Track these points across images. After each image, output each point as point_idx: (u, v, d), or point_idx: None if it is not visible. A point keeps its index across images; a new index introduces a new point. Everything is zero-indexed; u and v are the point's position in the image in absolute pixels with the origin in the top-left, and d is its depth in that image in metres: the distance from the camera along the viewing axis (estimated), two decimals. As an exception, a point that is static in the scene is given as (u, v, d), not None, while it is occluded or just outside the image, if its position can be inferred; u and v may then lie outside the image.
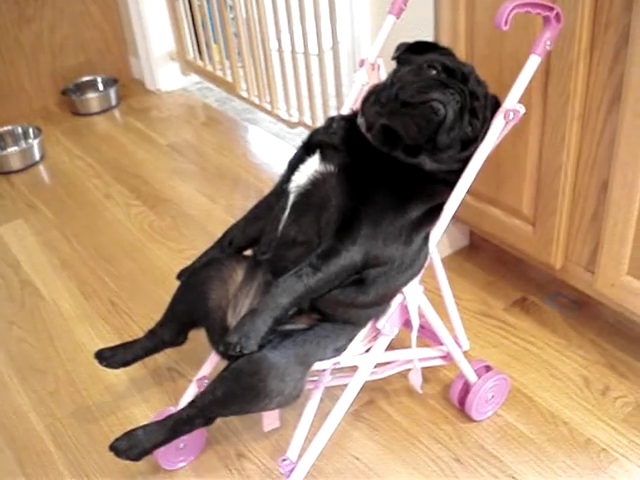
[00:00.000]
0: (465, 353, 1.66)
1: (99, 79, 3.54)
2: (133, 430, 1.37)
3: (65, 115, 3.43)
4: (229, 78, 3.17)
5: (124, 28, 3.59)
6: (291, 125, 2.84)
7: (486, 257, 2.13)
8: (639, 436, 1.57)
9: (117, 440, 1.36)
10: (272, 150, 2.93)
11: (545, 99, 1.59)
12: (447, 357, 1.61)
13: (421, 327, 1.54)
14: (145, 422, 1.56)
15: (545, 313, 1.92)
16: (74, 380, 1.85)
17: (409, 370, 1.54)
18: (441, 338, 1.53)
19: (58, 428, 1.72)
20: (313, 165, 1.32)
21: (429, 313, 1.46)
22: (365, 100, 1.35)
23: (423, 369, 1.65)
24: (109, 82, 3.51)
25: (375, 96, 1.31)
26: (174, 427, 1.36)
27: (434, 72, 1.25)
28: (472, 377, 1.59)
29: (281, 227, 1.34)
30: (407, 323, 1.41)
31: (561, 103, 1.55)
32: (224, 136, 3.07)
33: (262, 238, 1.40)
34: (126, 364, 1.52)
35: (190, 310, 1.44)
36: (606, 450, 1.55)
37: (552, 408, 1.65)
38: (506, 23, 1.21)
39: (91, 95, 3.45)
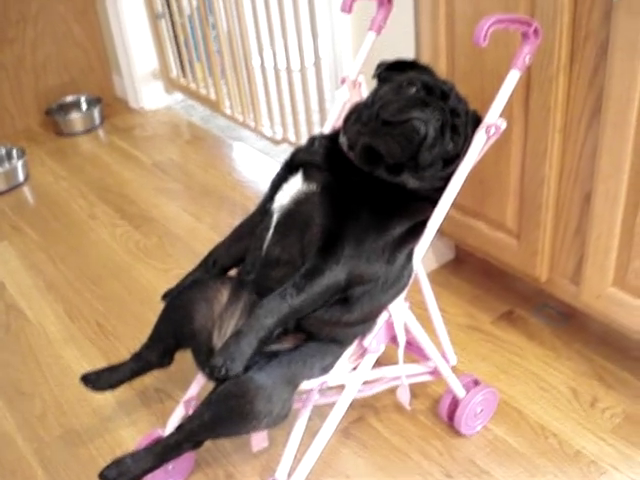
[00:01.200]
0: (453, 367, 1.65)
1: (82, 99, 3.54)
2: (121, 458, 1.35)
3: (49, 135, 3.43)
4: (213, 96, 3.18)
5: (107, 47, 3.60)
6: (275, 142, 2.84)
7: (472, 270, 2.13)
8: (628, 447, 1.57)
9: (106, 468, 1.34)
10: (257, 167, 2.93)
11: (527, 112, 1.60)
12: (435, 373, 1.61)
13: (408, 343, 1.54)
14: (133, 444, 1.57)
15: (532, 325, 1.92)
16: (61, 403, 1.84)
17: (398, 386, 1.54)
18: (428, 354, 1.53)
19: (45, 452, 1.71)
20: (296, 184, 1.32)
21: (415, 329, 1.46)
22: (347, 119, 1.35)
23: (412, 385, 1.66)
24: (93, 101, 3.51)
25: (356, 115, 1.31)
26: (162, 453, 1.34)
27: (414, 90, 1.25)
28: (460, 392, 1.59)
29: (265, 247, 1.34)
30: (394, 339, 1.42)
31: (542, 116, 1.56)
32: (209, 154, 3.07)
33: (246, 258, 1.40)
34: (112, 387, 1.50)
35: (175, 332, 1.43)
36: (596, 462, 1.55)
37: (541, 420, 1.65)
38: (484, 39, 1.22)
39: (75, 115, 3.45)
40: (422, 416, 1.69)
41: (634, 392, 1.70)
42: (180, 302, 1.43)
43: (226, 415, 1.26)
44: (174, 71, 3.44)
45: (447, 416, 1.64)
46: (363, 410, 1.71)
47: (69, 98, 3.53)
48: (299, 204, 1.31)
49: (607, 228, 1.53)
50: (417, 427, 1.67)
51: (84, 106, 3.52)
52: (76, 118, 3.42)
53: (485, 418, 1.65)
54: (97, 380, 1.49)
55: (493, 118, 1.30)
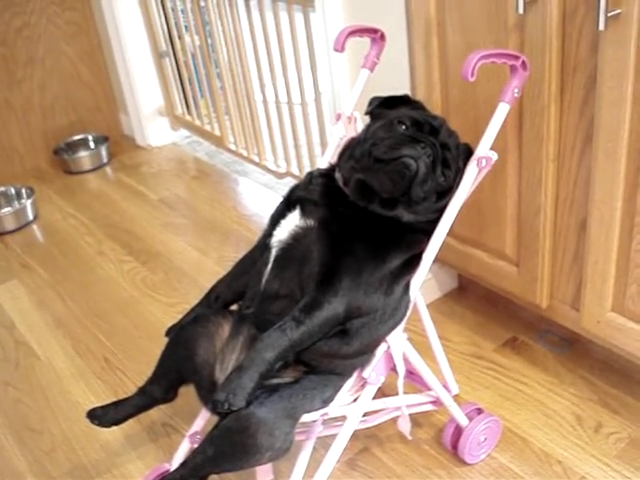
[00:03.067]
0: (457, 396, 1.67)
1: (90, 137, 3.60)
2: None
3: (57, 174, 3.48)
4: (217, 132, 3.23)
5: (113, 87, 3.66)
6: (279, 176, 2.88)
7: (475, 299, 2.15)
8: (633, 472, 1.57)
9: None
10: (262, 201, 2.96)
11: (520, 143, 1.63)
12: (437, 402, 1.61)
13: (411, 373, 1.56)
14: (140, 479, 1.58)
15: (535, 352, 1.93)
16: (70, 439, 1.86)
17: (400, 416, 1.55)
18: (429, 384, 1.54)
19: (54, 489, 1.72)
20: (294, 220, 1.35)
21: (415, 360, 1.48)
22: (340, 155, 1.39)
23: (416, 414, 1.67)
24: (100, 140, 3.56)
25: (349, 152, 1.35)
26: None
27: (404, 127, 1.28)
28: (463, 421, 1.59)
29: (264, 281, 1.36)
30: (395, 370, 1.43)
31: (536, 146, 1.58)
32: (214, 189, 3.11)
33: (247, 292, 1.42)
34: (118, 422, 1.52)
35: (178, 367, 1.45)
36: (601, 488, 1.55)
37: (546, 447, 1.65)
38: (472, 74, 1.25)
39: (82, 153, 3.50)
40: (426, 445, 1.70)
41: (639, 416, 1.70)
42: (183, 338, 1.46)
43: (229, 450, 1.27)
44: (179, 108, 3.50)
45: (451, 445, 1.65)
46: (367, 441, 1.72)
47: (77, 137, 3.59)
48: (297, 239, 1.33)
49: (604, 254, 1.55)
50: (421, 457, 1.67)
51: (92, 144, 3.58)
52: (84, 156, 3.47)
53: (489, 446, 1.65)
54: (103, 416, 1.51)
55: (484, 150, 1.33)
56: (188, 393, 1.51)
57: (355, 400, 1.42)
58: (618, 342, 1.63)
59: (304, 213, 1.35)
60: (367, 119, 1.44)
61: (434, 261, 1.39)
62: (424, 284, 1.41)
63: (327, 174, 1.41)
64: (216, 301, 1.50)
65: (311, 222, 1.33)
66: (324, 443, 1.59)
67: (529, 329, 2.00)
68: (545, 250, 1.69)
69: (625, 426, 1.68)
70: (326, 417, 1.38)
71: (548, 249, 1.69)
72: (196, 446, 1.45)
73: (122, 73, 3.46)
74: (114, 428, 1.69)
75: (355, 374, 1.40)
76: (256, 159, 3.01)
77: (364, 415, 1.47)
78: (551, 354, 1.91)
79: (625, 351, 1.64)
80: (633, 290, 1.54)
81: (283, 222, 1.37)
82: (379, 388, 1.44)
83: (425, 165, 1.25)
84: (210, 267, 2.51)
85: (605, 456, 1.62)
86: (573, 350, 1.91)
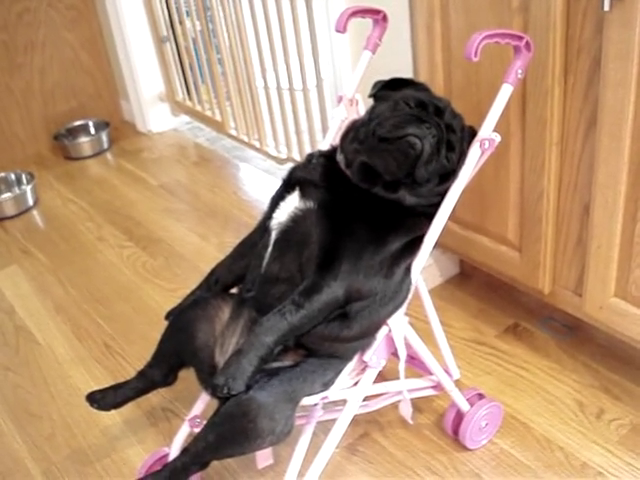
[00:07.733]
0: (458, 381, 1.65)
1: (91, 123, 3.58)
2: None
3: (58, 160, 3.47)
4: (218, 117, 3.22)
5: (114, 72, 3.65)
6: (280, 161, 2.86)
7: (477, 285, 2.14)
8: (635, 458, 1.56)
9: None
10: (263, 186, 2.95)
11: (523, 126, 1.61)
12: (438, 387, 1.60)
13: (411, 357, 1.55)
14: (140, 463, 1.58)
15: (537, 338, 1.92)
16: (69, 424, 1.85)
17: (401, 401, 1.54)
18: (430, 368, 1.53)
19: (54, 473, 1.71)
20: (293, 202, 1.34)
21: (416, 344, 1.47)
22: (344, 137, 1.37)
23: (417, 399, 1.66)
24: (101, 126, 3.55)
25: (353, 133, 1.33)
26: (170, 477, 1.34)
27: (409, 108, 1.27)
28: (464, 406, 1.59)
29: (264, 264, 1.35)
30: (396, 354, 1.42)
31: (539, 129, 1.57)
32: (215, 174, 3.09)
33: (247, 275, 1.41)
34: (117, 406, 1.52)
35: (178, 350, 1.44)
36: (602, 474, 1.54)
37: (547, 434, 1.65)
38: (476, 54, 1.24)
39: (83, 139, 3.49)
40: (427, 431, 1.69)
41: (641, 403, 1.70)
42: (182, 321, 1.45)
43: (230, 436, 1.27)
44: (180, 94, 3.48)
45: (452, 430, 1.64)
46: (368, 426, 1.71)
47: (77, 123, 3.57)
48: (296, 221, 1.32)
49: (607, 239, 1.54)
50: (422, 442, 1.66)
51: (92, 130, 3.57)
52: (84, 142, 3.46)
53: (490, 432, 1.64)
54: (102, 399, 1.51)
55: (487, 132, 1.31)
56: (188, 378, 1.50)
57: (356, 384, 1.41)
58: (621, 328, 1.62)
59: (303, 195, 1.34)
60: (369, 102, 1.42)
61: (436, 246, 1.38)
62: (426, 270, 1.40)
63: (328, 156, 1.39)
64: (216, 284, 1.50)
65: (310, 204, 1.32)
66: (324, 428, 1.58)
67: (531, 315, 1.99)
68: (548, 235, 1.68)
69: (627, 412, 1.67)
70: (326, 400, 1.37)
71: (551, 234, 1.68)
72: (196, 430, 1.44)
73: (123, 58, 3.44)
74: (114, 413, 1.70)
75: (356, 357, 1.39)
76: (257, 145, 3.00)
77: (364, 400, 1.46)
78: (553, 340, 1.90)
79: (628, 337, 1.63)
80: (636, 275, 1.53)
81: (282, 204, 1.36)
82: (380, 373, 1.44)
83: (430, 145, 1.23)
84: (210, 252, 2.50)
85: (607, 442, 1.61)
86: (575, 336, 1.90)
